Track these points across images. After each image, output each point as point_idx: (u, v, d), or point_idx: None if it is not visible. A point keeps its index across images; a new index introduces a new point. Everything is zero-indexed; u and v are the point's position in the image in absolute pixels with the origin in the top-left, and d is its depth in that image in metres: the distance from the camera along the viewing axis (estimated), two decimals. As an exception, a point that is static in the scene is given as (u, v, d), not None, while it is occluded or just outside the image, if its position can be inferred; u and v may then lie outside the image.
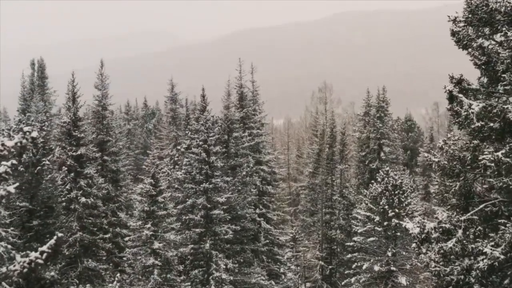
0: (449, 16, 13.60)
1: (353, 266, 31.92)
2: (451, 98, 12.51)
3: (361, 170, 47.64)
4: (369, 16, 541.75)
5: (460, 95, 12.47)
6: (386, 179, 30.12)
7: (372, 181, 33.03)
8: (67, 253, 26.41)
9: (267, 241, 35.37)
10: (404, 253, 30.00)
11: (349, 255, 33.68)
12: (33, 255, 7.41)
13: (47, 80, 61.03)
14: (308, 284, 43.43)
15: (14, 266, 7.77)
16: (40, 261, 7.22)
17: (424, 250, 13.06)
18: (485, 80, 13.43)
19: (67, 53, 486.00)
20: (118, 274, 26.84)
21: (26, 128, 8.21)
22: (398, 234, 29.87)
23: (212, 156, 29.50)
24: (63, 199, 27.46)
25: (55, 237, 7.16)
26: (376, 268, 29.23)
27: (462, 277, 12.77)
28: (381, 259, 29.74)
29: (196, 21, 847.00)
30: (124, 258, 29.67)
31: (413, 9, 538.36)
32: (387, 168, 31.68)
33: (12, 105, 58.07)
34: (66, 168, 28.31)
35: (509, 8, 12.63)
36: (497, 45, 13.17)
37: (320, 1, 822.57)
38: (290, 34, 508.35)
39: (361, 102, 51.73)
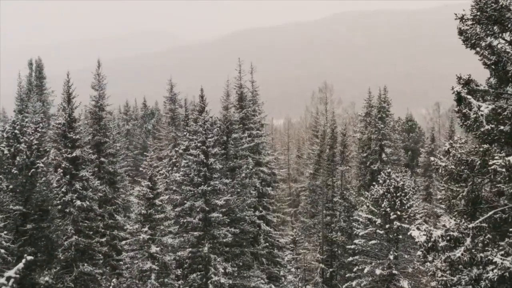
0: (456, 14, 13.01)
1: (354, 269, 31.49)
2: (459, 99, 11.91)
3: (362, 171, 47.15)
4: (369, 16, 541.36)
5: (469, 96, 11.88)
6: (388, 181, 29.60)
7: (374, 183, 32.59)
8: (62, 257, 25.84)
9: (267, 243, 34.77)
10: (406, 256, 29.51)
11: (350, 258, 33.29)
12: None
13: (45, 80, 60.57)
14: (308, 287, 42.93)
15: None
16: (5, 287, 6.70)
17: (430, 259, 12.50)
18: (493, 81, 12.85)
19: (67, 53, 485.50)
20: (114, 279, 26.34)
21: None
22: (400, 237, 29.34)
23: (211, 158, 28.93)
24: (58, 202, 26.90)
25: (23, 260, 6.64)
26: (378, 271, 28.74)
27: (471, 287, 12.21)
28: (383, 262, 29.24)
29: (196, 21, 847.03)
30: (121, 262, 29.16)
31: (413, 9, 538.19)
32: (389, 170, 31.16)
33: (11, 106, 57.56)
34: (61, 171, 27.75)
35: (519, 6, 12.08)
36: (506, 44, 12.61)
37: (320, 1, 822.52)
38: (290, 34, 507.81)
39: (361, 102, 51.25)
